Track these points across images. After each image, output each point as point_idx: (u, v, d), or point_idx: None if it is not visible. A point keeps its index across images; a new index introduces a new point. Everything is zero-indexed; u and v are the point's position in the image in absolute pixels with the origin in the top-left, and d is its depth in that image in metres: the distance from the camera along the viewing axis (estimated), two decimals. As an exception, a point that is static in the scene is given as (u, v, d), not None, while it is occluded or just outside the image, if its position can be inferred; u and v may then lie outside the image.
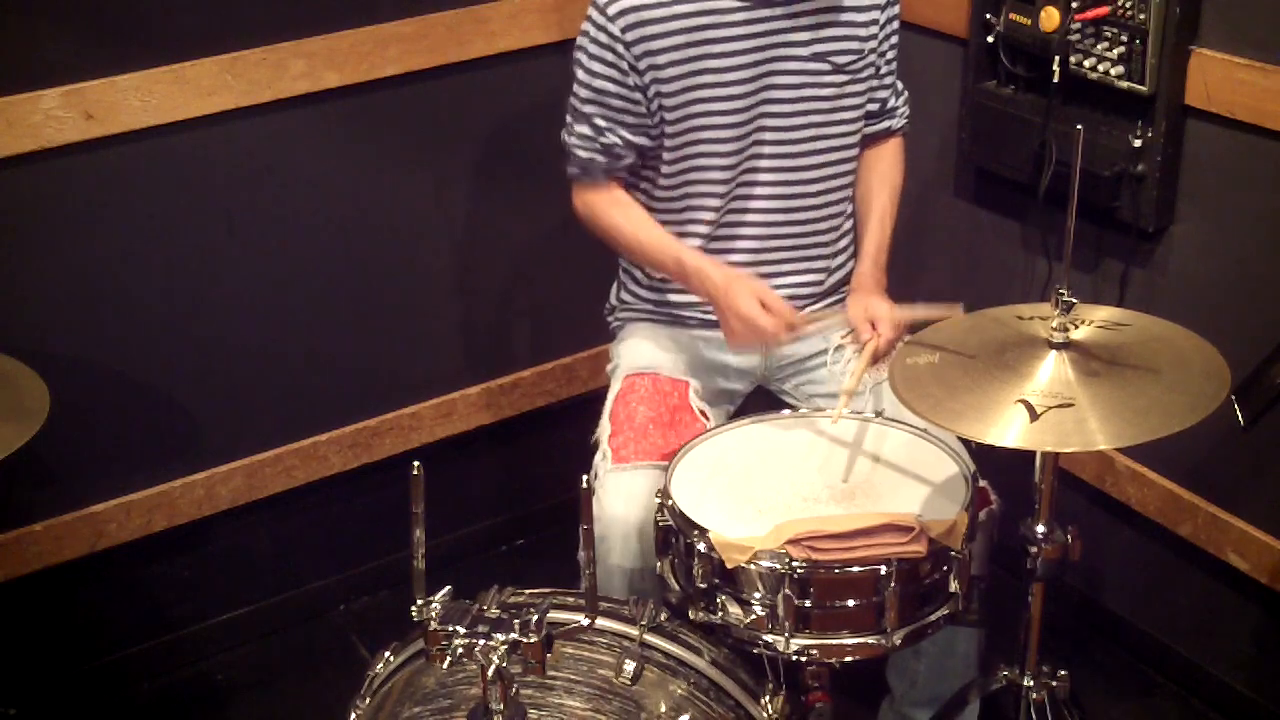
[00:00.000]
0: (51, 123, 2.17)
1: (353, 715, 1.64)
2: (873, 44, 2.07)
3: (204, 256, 2.40)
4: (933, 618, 1.70)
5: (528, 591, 1.68)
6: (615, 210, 2.10)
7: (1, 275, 2.24)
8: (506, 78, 2.56)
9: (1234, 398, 1.63)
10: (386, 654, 1.69)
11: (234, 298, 2.45)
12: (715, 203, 2.07)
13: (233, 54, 2.28)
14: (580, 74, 2.02)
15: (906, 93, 2.21)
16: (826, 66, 2.02)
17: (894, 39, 2.12)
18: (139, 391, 2.42)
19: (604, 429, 2.04)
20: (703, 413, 2.07)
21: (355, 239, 2.54)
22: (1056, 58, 2.21)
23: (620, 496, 1.91)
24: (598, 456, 2.00)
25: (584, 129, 2.05)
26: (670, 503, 1.74)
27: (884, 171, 2.20)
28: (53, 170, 2.21)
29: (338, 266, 2.54)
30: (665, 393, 2.08)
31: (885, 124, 2.19)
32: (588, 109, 2.03)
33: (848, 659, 1.68)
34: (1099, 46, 2.16)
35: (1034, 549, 1.77)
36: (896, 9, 2.10)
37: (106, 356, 2.37)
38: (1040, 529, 1.76)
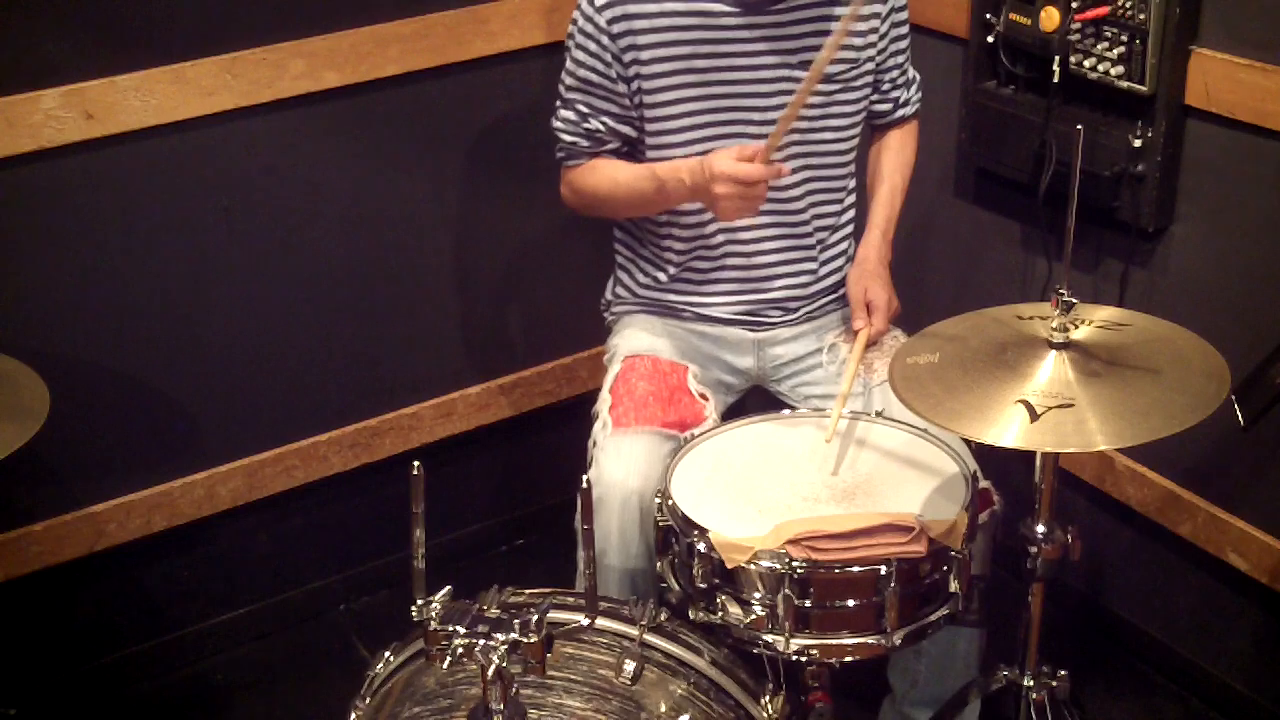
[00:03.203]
0: (51, 123, 2.17)
1: (353, 715, 1.64)
2: (870, 52, 2.07)
3: (204, 256, 2.40)
4: (933, 618, 1.71)
5: (528, 591, 1.68)
6: (591, 173, 2.11)
7: (1, 275, 2.24)
8: (507, 78, 2.56)
9: (1234, 398, 1.63)
10: (386, 654, 1.69)
11: (234, 297, 2.45)
12: (692, 205, 2.07)
13: (233, 54, 2.28)
14: (568, 61, 2.05)
15: (919, 77, 2.21)
16: None
17: (902, 42, 2.13)
18: (139, 391, 2.42)
19: (604, 402, 2.04)
20: (702, 395, 2.07)
21: (355, 239, 2.54)
22: (1056, 58, 2.21)
23: (620, 460, 1.91)
24: (597, 426, 2.00)
25: (569, 114, 2.08)
26: (670, 503, 1.74)
27: (896, 148, 2.22)
28: (53, 170, 2.21)
29: (338, 266, 2.54)
30: (664, 373, 2.08)
31: (899, 113, 2.21)
32: (572, 95, 2.07)
33: (848, 659, 1.68)
34: (1099, 46, 2.16)
35: (1034, 549, 1.77)
36: (904, 14, 2.10)
37: (106, 356, 2.37)
38: (1040, 529, 1.77)
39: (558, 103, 2.10)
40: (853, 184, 2.18)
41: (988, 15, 2.33)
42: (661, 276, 2.17)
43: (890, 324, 2.11)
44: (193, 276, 2.40)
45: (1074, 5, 2.16)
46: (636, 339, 2.17)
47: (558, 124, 2.10)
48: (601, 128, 2.06)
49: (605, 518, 1.90)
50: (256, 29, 2.30)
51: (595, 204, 2.15)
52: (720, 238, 2.10)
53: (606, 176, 2.10)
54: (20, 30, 2.13)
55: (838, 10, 2.01)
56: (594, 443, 2.00)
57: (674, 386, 2.06)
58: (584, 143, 2.09)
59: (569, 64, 2.05)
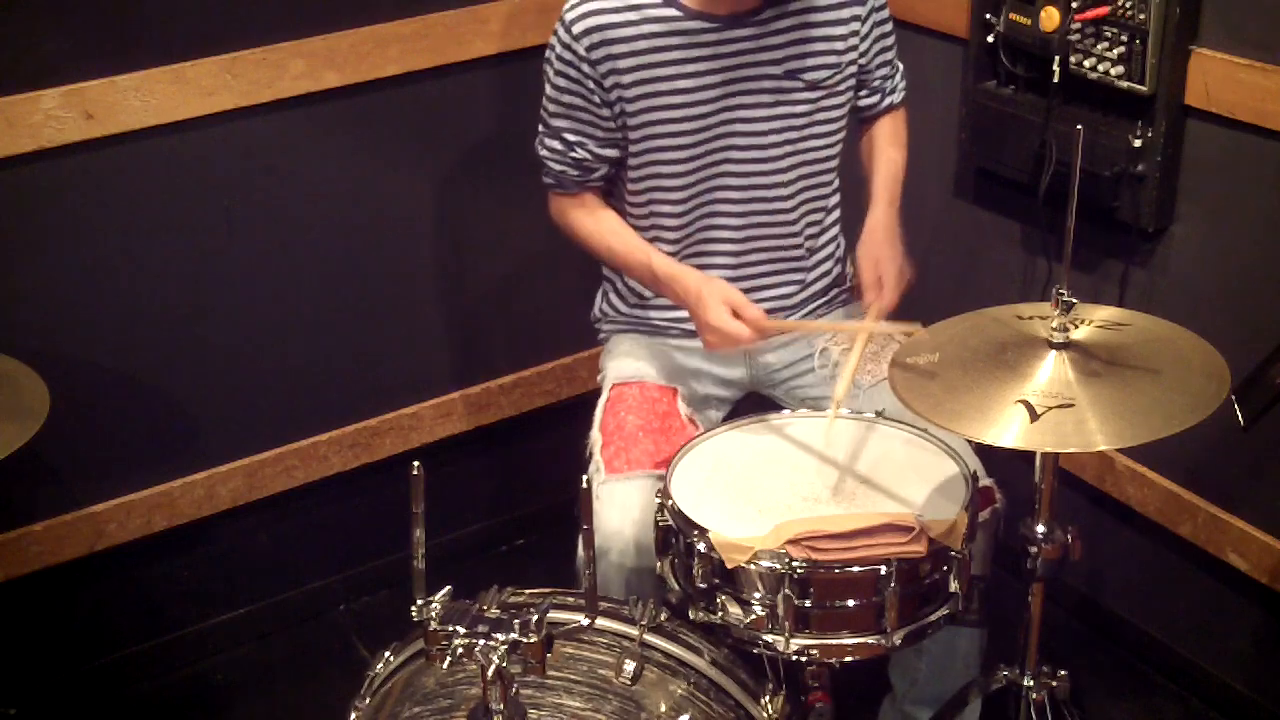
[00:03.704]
0: (51, 123, 2.17)
1: (353, 715, 1.64)
2: (852, 55, 2.06)
3: (204, 256, 2.40)
4: (933, 618, 1.70)
5: (528, 591, 1.68)
6: (587, 218, 2.11)
7: (1, 275, 2.24)
8: (506, 78, 2.56)
9: (1234, 398, 1.63)
10: (386, 654, 1.69)
11: (234, 297, 2.45)
12: (677, 221, 2.07)
13: (233, 54, 2.28)
14: (548, 89, 2.04)
15: (901, 66, 2.20)
16: (800, 84, 2.02)
17: (885, 40, 2.12)
18: (139, 391, 2.42)
19: (595, 441, 2.04)
20: (690, 419, 2.07)
21: (355, 238, 2.54)
22: (1056, 58, 2.21)
23: (616, 508, 1.91)
24: (591, 468, 2.00)
25: (555, 143, 2.06)
26: (670, 503, 1.74)
27: (890, 132, 2.20)
28: (53, 170, 2.21)
29: (338, 266, 2.54)
30: (653, 399, 2.08)
31: (888, 102, 2.19)
32: (557, 123, 2.05)
33: (848, 659, 1.68)
34: (1099, 46, 2.16)
35: (1034, 549, 1.77)
36: (885, 12, 2.10)
37: (106, 356, 2.37)
38: (1040, 529, 1.76)
39: (541, 129, 2.08)
40: (837, 184, 2.17)
41: (988, 15, 2.33)
42: (645, 291, 2.17)
43: (901, 294, 2.07)
44: (193, 276, 2.40)
45: (1074, 5, 2.16)
46: (624, 363, 2.16)
47: (544, 152, 2.08)
48: (589, 156, 2.05)
49: (605, 566, 1.90)
50: (256, 29, 2.30)
51: (583, 247, 2.14)
52: (706, 248, 2.10)
53: (602, 239, 2.09)
54: (20, 30, 2.13)
55: (816, 17, 2.00)
56: (587, 483, 1.98)
57: (663, 413, 2.06)
58: (573, 172, 2.07)
59: (550, 91, 2.03)
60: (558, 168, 2.08)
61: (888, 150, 2.19)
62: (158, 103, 2.24)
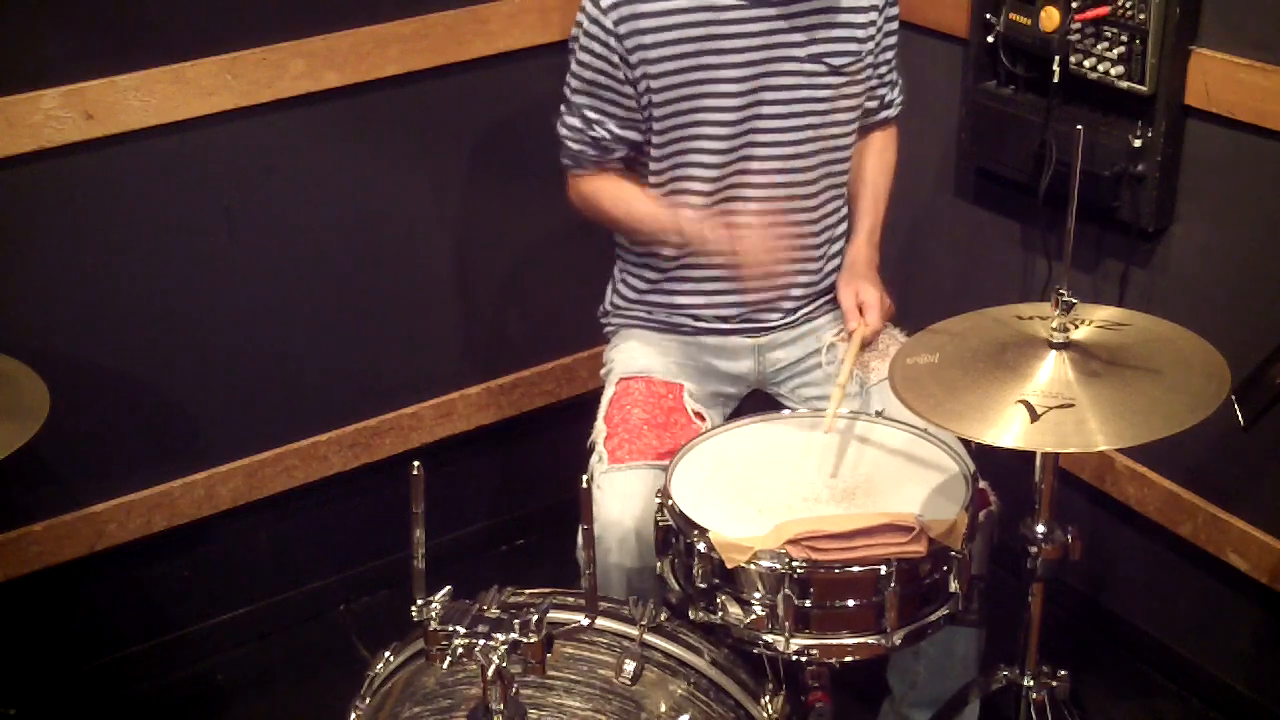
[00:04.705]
0: (51, 123, 2.17)
1: (353, 715, 1.64)
2: (870, 45, 2.06)
3: (204, 256, 2.40)
4: (933, 618, 1.70)
5: (528, 591, 1.67)
6: (605, 191, 2.11)
7: (1, 275, 2.24)
8: (506, 78, 2.56)
9: (1234, 398, 1.63)
10: (386, 654, 1.69)
11: (234, 297, 2.45)
12: (702, 201, 2.06)
13: (233, 54, 2.28)
14: (573, 64, 2.04)
15: (900, 80, 2.20)
16: (823, 68, 2.02)
17: (893, 39, 2.12)
18: (139, 391, 2.42)
19: (599, 432, 2.04)
20: (697, 414, 2.07)
21: (355, 239, 2.54)
22: (1056, 58, 2.21)
23: (616, 497, 1.91)
24: (593, 459, 2.00)
25: (574, 120, 2.06)
26: (670, 503, 1.74)
27: (879, 150, 2.21)
28: (53, 170, 2.21)
29: (338, 266, 2.54)
30: (660, 395, 2.08)
31: (883, 115, 2.20)
32: (578, 100, 2.05)
33: (848, 659, 1.68)
34: (1099, 46, 2.16)
35: (1034, 549, 1.77)
36: (895, 9, 2.10)
37: (106, 356, 2.37)
38: (1040, 529, 1.76)
39: (563, 107, 2.08)
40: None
41: (988, 15, 2.33)
42: (653, 275, 2.15)
43: (885, 323, 2.10)
44: (193, 276, 2.40)
45: (1074, 5, 2.16)
46: (631, 357, 2.16)
47: (563, 131, 2.09)
48: (607, 135, 2.04)
49: (602, 555, 1.90)
50: (256, 29, 2.30)
51: (603, 223, 2.14)
52: None
53: (623, 210, 2.09)
54: (20, 30, 2.13)
55: (839, 2, 2.01)
56: (590, 475, 1.99)
57: (669, 408, 2.06)
58: (591, 151, 2.07)
59: (574, 66, 2.03)
60: (575, 146, 2.08)
61: (875, 179, 2.19)
62: (158, 103, 2.24)
